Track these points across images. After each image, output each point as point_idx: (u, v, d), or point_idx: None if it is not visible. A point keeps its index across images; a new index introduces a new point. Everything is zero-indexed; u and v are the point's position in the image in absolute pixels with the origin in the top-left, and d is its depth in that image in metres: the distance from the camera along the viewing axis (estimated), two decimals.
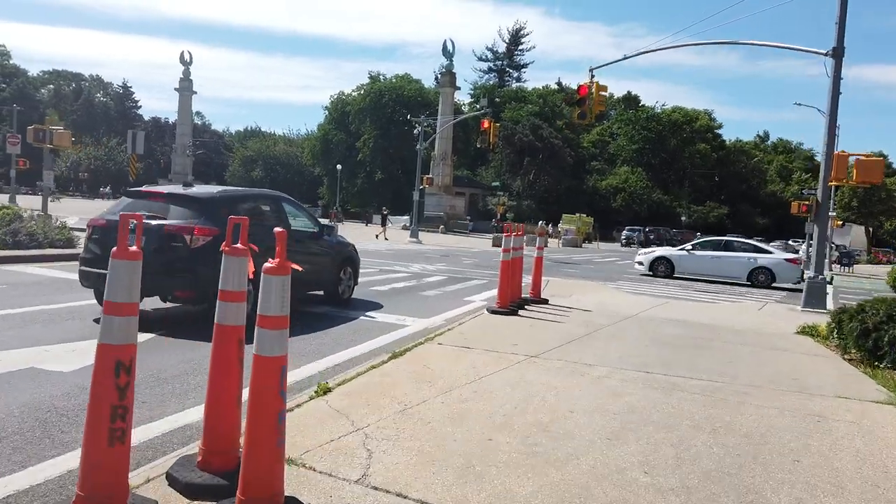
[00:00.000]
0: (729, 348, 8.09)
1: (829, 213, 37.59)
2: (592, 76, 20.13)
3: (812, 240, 40.35)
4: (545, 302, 11.03)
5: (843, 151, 12.40)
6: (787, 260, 21.65)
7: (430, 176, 66.78)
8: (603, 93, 20.04)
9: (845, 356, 8.11)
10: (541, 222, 36.60)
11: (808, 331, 9.67)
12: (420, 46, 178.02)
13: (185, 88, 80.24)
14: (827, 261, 38.32)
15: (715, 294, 17.56)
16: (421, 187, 38.76)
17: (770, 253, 22.27)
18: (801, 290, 21.26)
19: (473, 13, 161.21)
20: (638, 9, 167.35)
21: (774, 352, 8.09)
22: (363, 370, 5.67)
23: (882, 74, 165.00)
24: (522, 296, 10.90)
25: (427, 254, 26.82)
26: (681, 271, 22.07)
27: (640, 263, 22.87)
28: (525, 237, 12.01)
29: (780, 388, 6.16)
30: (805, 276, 12.85)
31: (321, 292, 10.37)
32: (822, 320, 10.66)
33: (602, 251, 45.27)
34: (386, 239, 37.06)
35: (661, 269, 22.33)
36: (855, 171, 12.33)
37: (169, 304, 8.69)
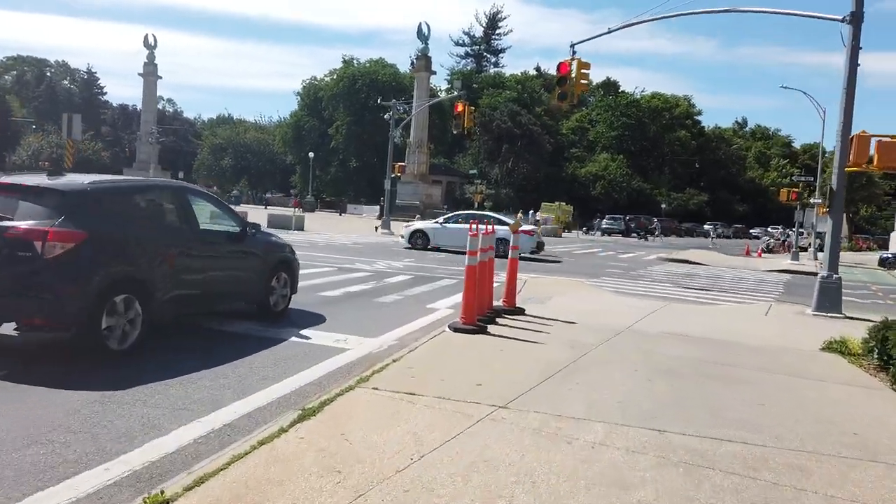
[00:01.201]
0: (752, 379, 6.37)
1: (815, 201, 36.34)
2: (574, 52, 18.31)
3: (802, 228, 39.16)
4: (521, 312, 9.24)
5: (864, 132, 10.77)
6: (522, 232, 23.15)
7: (405, 164, 64.72)
8: (585, 71, 18.22)
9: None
10: (518, 214, 34.87)
11: (837, 347, 8.01)
12: (397, 33, 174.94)
13: (150, 73, 76.95)
14: (812, 249, 37.17)
15: (708, 293, 15.94)
16: (393, 175, 36.78)
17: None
18: (537, 260, 22.08)
19: (453, 3, 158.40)
20: None
21: (809, 383, 6.40)
22: (244, 450, 3.81)
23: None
24: (494, 304, 9.11)
25: (396, 248, 24.94)
26: (436, 243, 23.39)
27: (402, 237, 24.96)
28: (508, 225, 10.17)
29: (843, 452, 4.44)
30: (819, 277, 11.20)
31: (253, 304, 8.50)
32: (844, 330, 9.05)
33: (582, 241, 43.72)
34: (395, 232, 34.90)
35: (419, 241, 23.72)
36: (876, 154, 10.71)
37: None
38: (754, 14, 14.87)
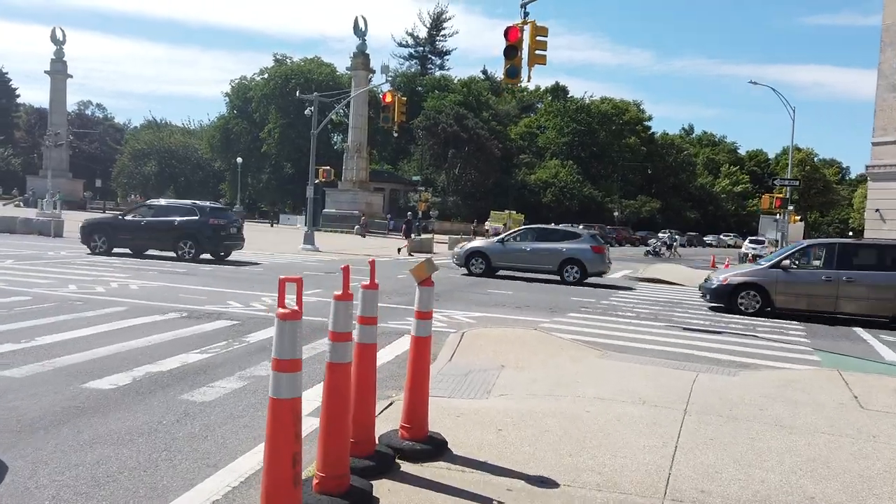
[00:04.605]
0: None
1: (788, 208, 33.04)
2: (526, 14, 13.81)
3: (764, 237, 35.74)
4: (437, 450, 4.43)
5: None
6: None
7: (343, 169, 59.51)
8: (542, 38, 13.73)
9: None
10: (425, 258, 29.54)
11: None
12: (341, 42, 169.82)
13: (58, 71, 69.41)
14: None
15: (719, 338, 11.53)
16: (318, 181, 31.66)
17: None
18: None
19: (396, 6, 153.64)
20: (555, 7, 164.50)
21: None
22: None
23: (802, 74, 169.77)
24: (376, 443, 4.29)
25: (310, 269, 19.90)
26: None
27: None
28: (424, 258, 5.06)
29: None
30: None
31: None
32: None
33: None
34: (410, 254, 29.09)
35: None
36: None
37: None
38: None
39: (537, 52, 13.68)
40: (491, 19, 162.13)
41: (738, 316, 14.37)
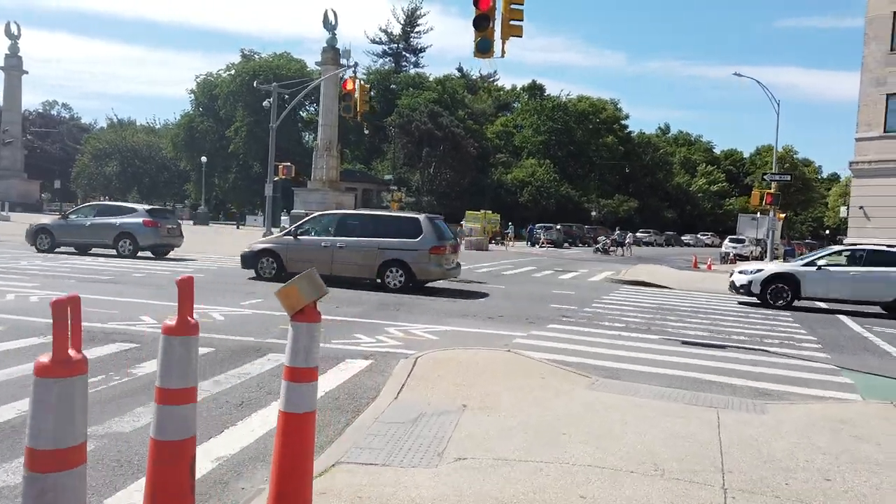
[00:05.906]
0: None
1: (777, 204, 31.70)
2: None
3: (744, 236, 34.42)
4: None
5: None
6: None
7: (312, 168, 57.27)
8: (518, 6, 11.90)
9: None
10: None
11: None
12: (318, 42, 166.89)
13: (13, 67, 66.00)
14: (768, 260, 32.46)
15: (724, 353, 9.78)
16: (276, 178, 29.51)
17: None
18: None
19: (370, 4, 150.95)
20: (529, 10, 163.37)
21: None
22: None
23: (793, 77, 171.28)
24: None
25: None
26: None
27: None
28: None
29: None
30: None
31: None
32: None
33: (511, 255, 37.69)
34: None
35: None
36: None
37: None
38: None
39: (512, 22, 11.84)
40: (466, 20, 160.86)
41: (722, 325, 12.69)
